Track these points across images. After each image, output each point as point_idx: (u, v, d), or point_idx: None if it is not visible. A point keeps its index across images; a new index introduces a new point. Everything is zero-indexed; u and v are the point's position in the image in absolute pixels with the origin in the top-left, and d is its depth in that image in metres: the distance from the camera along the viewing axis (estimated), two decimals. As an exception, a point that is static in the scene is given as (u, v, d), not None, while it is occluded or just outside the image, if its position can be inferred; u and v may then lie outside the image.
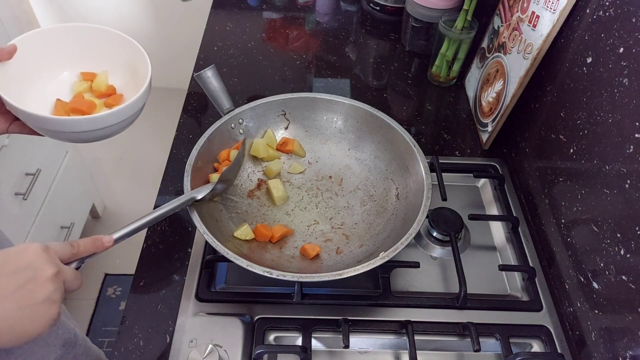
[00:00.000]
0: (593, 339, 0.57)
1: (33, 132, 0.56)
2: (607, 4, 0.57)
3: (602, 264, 0.55)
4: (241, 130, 0.74)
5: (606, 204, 0.55)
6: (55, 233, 1.38)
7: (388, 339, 0.62)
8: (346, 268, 0.55)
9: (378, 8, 1.13)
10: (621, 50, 0.53)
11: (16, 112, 0.52)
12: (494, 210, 0.77)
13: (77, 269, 0.45)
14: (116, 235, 0.49)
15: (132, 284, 0.64)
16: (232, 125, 0.72)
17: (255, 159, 0.75)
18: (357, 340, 0.61)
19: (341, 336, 0.58)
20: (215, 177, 0.67)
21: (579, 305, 0.60)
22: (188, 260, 0.67)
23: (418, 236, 0.72)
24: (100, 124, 0.55)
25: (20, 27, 1.32)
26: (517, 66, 0.74)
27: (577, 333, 0.60)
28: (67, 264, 0.44)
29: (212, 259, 0.64)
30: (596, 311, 0.57)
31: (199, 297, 0.63)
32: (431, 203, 0.62)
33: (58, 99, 0.61)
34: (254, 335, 0.59)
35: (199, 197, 0.60)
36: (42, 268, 0.40)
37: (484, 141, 0.85)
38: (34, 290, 0.39)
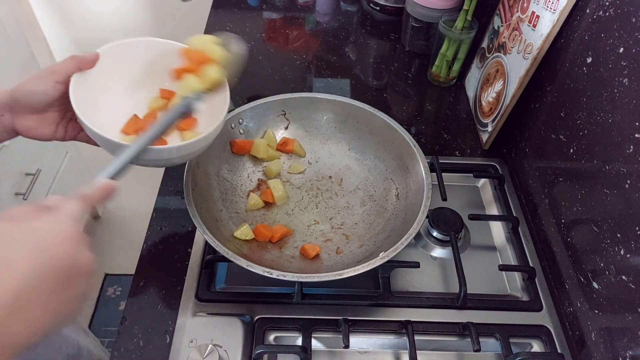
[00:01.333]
0: (593, 339, 0.57)
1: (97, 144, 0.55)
2: (607, 4, 0.57)
3: (602, 264, 0.55)
4: (241, 130, 0.74)
5: (606, 204, 0.55)
6: (55, 233, 1.37)
7: (388, 339, 0.62)
8: (346, 268, 0.55)
9: (378, 8, 1.13)
10: (621, 50, 0.53)
11: (87, 131, 0.51)
12: (494, 210, 0.76)
13: None
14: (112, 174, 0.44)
15: (132, 284, 0.64)
16: (232, 125, 0.72)
17: (256, 159, 0.75)
18: (357, 340, 0.61)
19: (341, 336, 0.58)
20: (189, 78, 0.58)
21: (579, 305, 0.60)
22: (188, 260, 0.67)
23: (418, 236, 0.72)
24: (167, 154, 0.53)
25: (20, 27, 1.32)
26: (517, 66, 0.74)
27: (577, 333, 0.60)
28: None
29: (212, 259, 0.64)
30: (596, 311, 0.57)
31: (199, 297, 0.63)
32: (431, 203, 0.62)
33: (135, 115, 0.60)
34: (254, 335, 0.59)
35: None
36: (81, 261, 0.34)
37: (484, 141, 0.85)
38: (71, 288, 0.33)
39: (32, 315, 0.30)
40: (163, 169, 0.79)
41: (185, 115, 0.56)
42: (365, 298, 0.64)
